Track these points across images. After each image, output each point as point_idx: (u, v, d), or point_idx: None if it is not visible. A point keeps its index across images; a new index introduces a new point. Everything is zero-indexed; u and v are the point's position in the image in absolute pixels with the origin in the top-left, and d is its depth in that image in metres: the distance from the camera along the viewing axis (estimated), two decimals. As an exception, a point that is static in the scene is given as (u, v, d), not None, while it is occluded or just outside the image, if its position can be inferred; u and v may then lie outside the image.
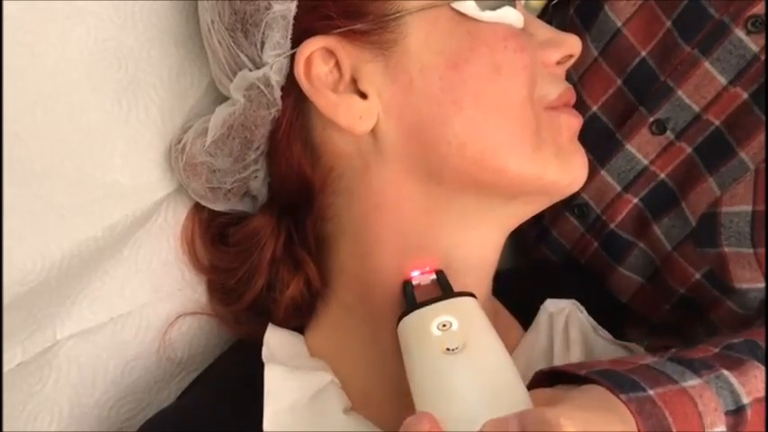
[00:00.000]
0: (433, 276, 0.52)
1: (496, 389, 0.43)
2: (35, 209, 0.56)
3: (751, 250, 0.56)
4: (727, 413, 0.44)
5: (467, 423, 0.40)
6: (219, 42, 0.55)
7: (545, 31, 0.54)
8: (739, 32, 0.54)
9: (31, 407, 0.56)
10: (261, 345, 0.55)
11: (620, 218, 0.62)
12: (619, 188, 0.61)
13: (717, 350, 0.48)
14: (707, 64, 0.56)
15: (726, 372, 0.45)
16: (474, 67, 0.50)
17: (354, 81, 0.52)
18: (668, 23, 0.58)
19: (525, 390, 0.43)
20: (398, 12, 0.50)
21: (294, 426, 0.50)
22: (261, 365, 0.53)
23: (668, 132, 0.59)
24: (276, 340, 0.56)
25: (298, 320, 0.58)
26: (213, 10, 0.55)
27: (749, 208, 0.55)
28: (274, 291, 0.58)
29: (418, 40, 0.51)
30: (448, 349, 0.45)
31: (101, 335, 0.58)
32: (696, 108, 0.57)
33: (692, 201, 0.58)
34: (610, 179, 0.61)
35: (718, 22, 0.55)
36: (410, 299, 0.50)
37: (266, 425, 0.50)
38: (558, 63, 0.54)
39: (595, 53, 0.62)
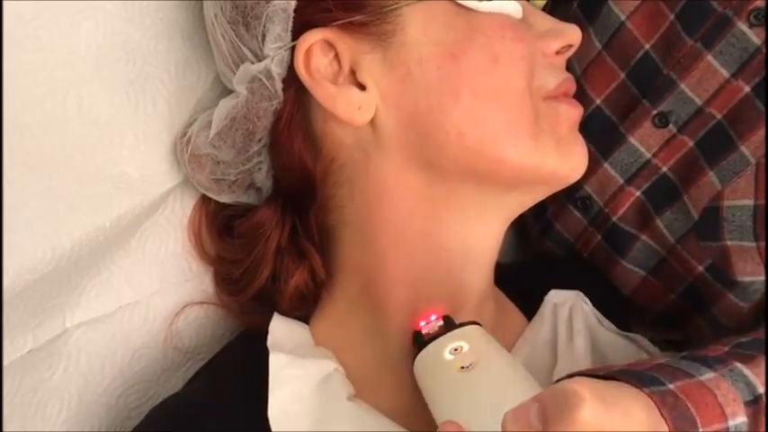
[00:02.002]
0: (441, 323, 0.53)
1: (513, 393, 0.44)
2: (45, 199, 0.58)
3: (753, 244, 0.56)
4: (746, 403, 0.44)
5: (490, 427, 0.42)
6: (222, 36, 0.56)
7: (544, 20, 0.54)
8: (742, 25, 0.54)
9: (42, 394, 0.57)
10: (266, 334, 0.55)
11: (622, 211, 0.62)
12: (621, 181, 0.62)
13: (727, 348, 0.49)
14: (709, 57, 0.56)
15: (739, 364, 0.46)
16: (472, 58, 0.51)
17: (353, 72, 0.52)
18: (671, 17, 0.58)
19: (538, 389, 0.45)
20: (396, 3, 0.51)
21: (299, 412, 0.51)
22: (266, 354, 0.53)
23: (671, 125, 0.59)
24: (281, 329, 0.57)
25: (303, 310, 0.59)
26: (216, 4, 0.56)
27: (751, 202, 0.55)
28: (279, 281, 0.58)
29: (416, 31, 0.51)
30: (462, 368, 0.47)
31: (109, 324, 0.59)
32: (698, 101, 0.57)
33: (694, 194, 0.58)
34: (612, 172, 0.62)
35: (720, 15, 0.55)
36: (420, 345, 0.52)
37: (271, 412, 0.51)
38: (558, 53, 0.54)
39: (599, 46, 0.62)
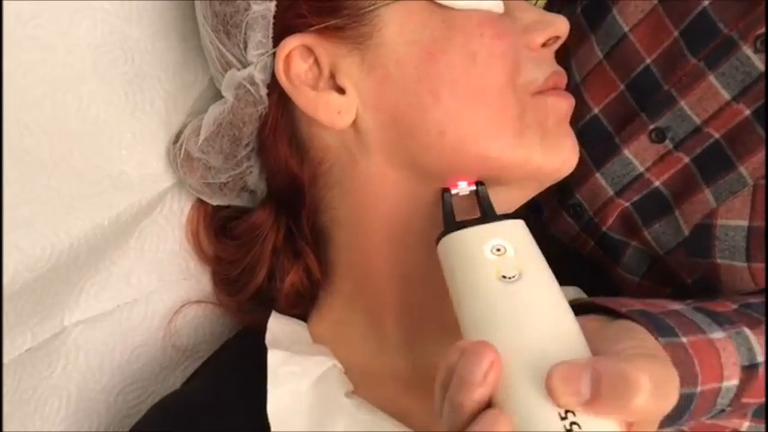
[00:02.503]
0: (472, 188, 0.51)
1: (555, 322, 0.41)
2: (44, 198, 0.58)
3: (745, 264, 0.56)
4: (742, 368, 0.46)
5: (528, 358, 0.39)
6: (210, 42, 0.56)
7: (530, 13, 0.53)
8: (747, 50, 0.54)
9: (41, 392, 0.58)
10: (264, 332, 0.56)
11: (610, 221, 0.63)
12: (611, 192, 0.62)
13: (736, 306, 0.50)
14: (712, 78, 0.56)
15: (746, 329, 0.47)
16: (449, 57, 0.50)
17: (333, 76, 0.52)
18: (675, 33, 0.57)
19: (577, 323, 0.42)
20: (372, 4, 0.50)
21: (297, 408, 0.52)
22: (264, 351, 0.54)
23: (667, 141, 0.59)
24: (279, 327, 0.57)
25: (300, 308, 0.60)
26: (200, 12, 0.56)
27: (746, 223, 0.56)
28: (276, 280, 0.59)
29: (392, 31, 0.51)
30: (504, 277, 0.43)
31: (107, 322, 0.60)
32: (697, 120, 0.57)
33: (687, 210, 0.59)
34: (603, 183, 0.62)
35: (726, 37, 0.55)
36: (448, 212, 0.48)
37: (270, 408, 0.51)
38: (545, 45, 0.53)
39: (600, 55, 0.61)
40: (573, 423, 0.37)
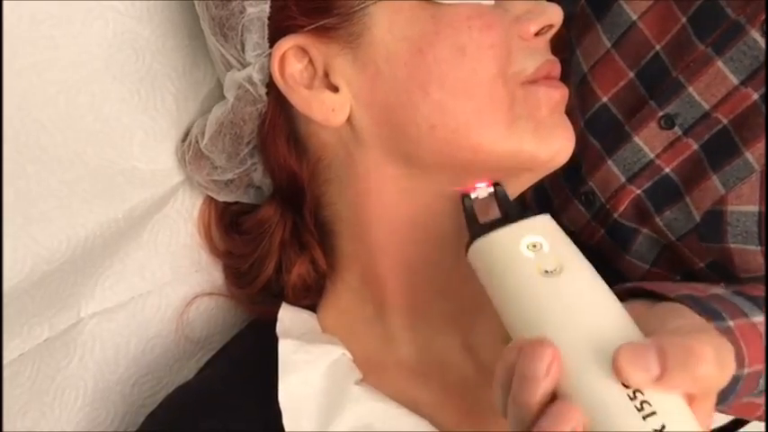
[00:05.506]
0: (491, 189, 0.51)
1: (604, 308, 0.42)
2: (60, 193, 0.60)
3: (758, 248, 0.56)
4: None
5: (586, 346, 0.39)
6: (212, 44, 0.57)
7: (522, 3, 0.53)
8: (754, 34, 0.53)
9: (59, 381, 0.59)
10: (275, 322, 0.57)
11: (622, 208, 0.62)
12: (623, 179, 0.61)
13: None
14: (720, 63, 0.55)
15: None
16: (438, 51, 0.50)
17: (327, 75, 0.53)
18: (683, 20, 0.57)
19: (624, 310, 0.42)
20: (362, 3, 0.51)
21: (308, 397, 0.53)
22: (275, 341, 0.55)
23: (676, 128, 0.59)
24: (290, 317, 0.58)
25: (308, 299, 0.61)
26: (200, 15, 0.57)
27: (756, 208, 0.55)
28: (284, 273, 0.60)
29: (382, 28, 0.51)
30: (546, 271, 0.42)
31: (122, 314, 0.61)
32: (706, 106, 0.57)
33: (696, 197, 0.58)
34: (615, 169, 0.62)
35: (733, 22, 0.54)
36: (471, 216, 0.48)
37: (281, 395, 0.52)
38: (538, 34, 0.53)
39: (608, 45, 0.61)
40: (643, 402, 0.38)
